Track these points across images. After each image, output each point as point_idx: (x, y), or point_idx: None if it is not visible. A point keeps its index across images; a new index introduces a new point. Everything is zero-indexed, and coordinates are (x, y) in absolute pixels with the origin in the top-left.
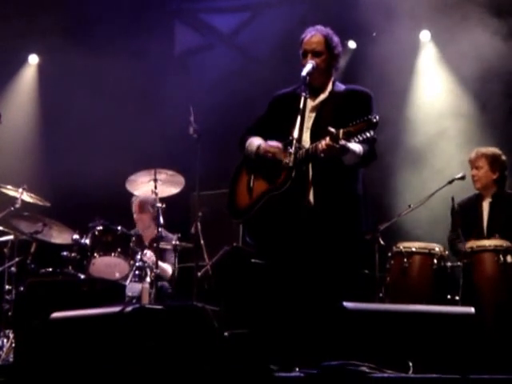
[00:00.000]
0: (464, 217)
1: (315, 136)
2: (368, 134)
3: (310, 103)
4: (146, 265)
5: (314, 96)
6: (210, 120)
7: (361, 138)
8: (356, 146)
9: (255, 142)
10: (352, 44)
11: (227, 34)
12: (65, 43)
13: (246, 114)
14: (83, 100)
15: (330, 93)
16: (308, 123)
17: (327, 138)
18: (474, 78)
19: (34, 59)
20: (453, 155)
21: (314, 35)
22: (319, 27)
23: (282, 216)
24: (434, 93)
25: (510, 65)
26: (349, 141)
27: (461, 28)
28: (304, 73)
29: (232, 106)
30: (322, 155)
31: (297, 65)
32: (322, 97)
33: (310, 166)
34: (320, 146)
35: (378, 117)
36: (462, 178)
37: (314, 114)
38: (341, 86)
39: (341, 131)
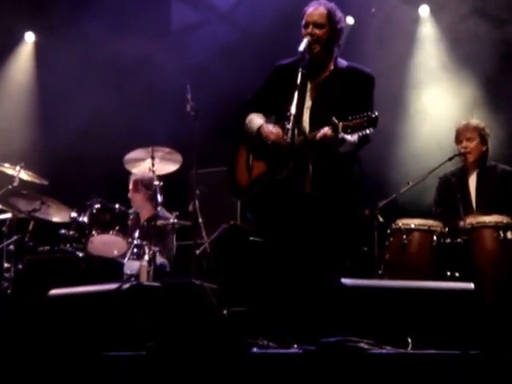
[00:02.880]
0: (450, 191)
1: (314, 116)
2: (368, 131)
3: (311, 82)
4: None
5: (315, 74)
6: (207, 97)
7: (360, 134)
8: (349, 136)
9: (256, 120)
10: (350, 20)
11: (224, 10)
12: (61, 20)
13: (244, 91)
14: (80, 78)
15: (332, 72)
16: (308, 103)
17: (326, 129)
18: (473, 52)
19: (30, 37)
20: (453, 131)
21: (317, 8)
22: (323, 1)
23: (281, 199)
24: (433, 68)
25: (508, 39)
26: (347, 134)
27: (460, 2)
28: (301, 48)
29: (229, 82)
30: (319, 145)
31: (295, 40)
32: (323, 76)
33: (309, 151)
34: (318, 136)
35: (376, 113)
36: (463, 154)
37: (314, 94)
38: (343, 63)
39: (340, 125)
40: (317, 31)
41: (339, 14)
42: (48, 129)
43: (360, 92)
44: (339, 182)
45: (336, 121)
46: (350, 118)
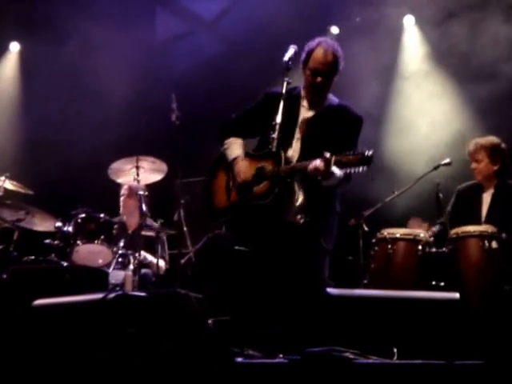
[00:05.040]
0: (463, 204)
1: (304, 147)
2: (360, 169)
3: (304, 114)
4: (143, 261)
5: (309, 107)
6: (192, 107)
7: (352, 171)
8: (337, 170)
9: (233, 150)
10: (335, 30)
11: (209, 21)
12: (46, 31)
13: (229, 101)
14: (65, 88)
15: (325, 108)
16: (299, 134)
17: (318, 162)
18: (458, 61)
19: (15, 47)
20: (437, 137)
21: (327, 54)
22: (329, 42)
23: (264, 226)
24: (418, 77)
25: (495, 45)
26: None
27: (446, 12)
28: (286, 58)
29: (214, 92)
30: (309, 176)
31: (279, 51)
32: (317, 110)
33: (294, 181)
34: (309, 168)
35: (372, 151)
36: (448, 163)
37: (305, 126)
38: (334, 100)
39: (333, 158)
40: (325, 81)
41: (341, 54)
42: (33, 138)
43: (347, 131)
44: (322, 213)
45: (328, 155)
46: (344, 153)
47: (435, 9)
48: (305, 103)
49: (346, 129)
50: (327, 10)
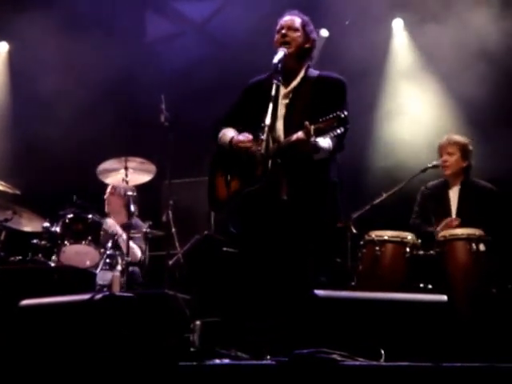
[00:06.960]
0: (430, 202)
1: (288, 123)
2: (338, 131)
3: (283, 90)
4: (110, 231)
5: (287, 82)
6: (181, 108)
7: (332, 135)
8: (326, 143)
9: (228, 133)
10: (325, 32)
11: (199, 22)
12: (35, 30)
13: (218, 103)
14: (54, 88)
15: (302, 78)
16: (281, 111)
17: (300, 133)
18: (447, 65)
19: (3, 46)
20: (426, 142)
21: (291, 15)
22: (297, 12)
23: (258, 210)
24: (407, 81)
25: (483, 51)
26: (320, 136)
27: (434, 15)
28: (275, 60)
29: (203, 94)
30: (294, 149)
31: (269, 52)
32: (294, 83)
33: (283, 159)
34: (292, 140)
35: (346, 112)
36: (436, 166)
37: (286, 101)
38: (314, 72)
39: (312, 128)
40: (290, 33)
41: (311, 26)
42: (20, 138)
43: (332, 97)
44: (315, 187)
45: (308, 124)
46: (320, 119)
47: (424, 10)
48: (283, 81)
49: (329, 96)
50: (317, 12)
